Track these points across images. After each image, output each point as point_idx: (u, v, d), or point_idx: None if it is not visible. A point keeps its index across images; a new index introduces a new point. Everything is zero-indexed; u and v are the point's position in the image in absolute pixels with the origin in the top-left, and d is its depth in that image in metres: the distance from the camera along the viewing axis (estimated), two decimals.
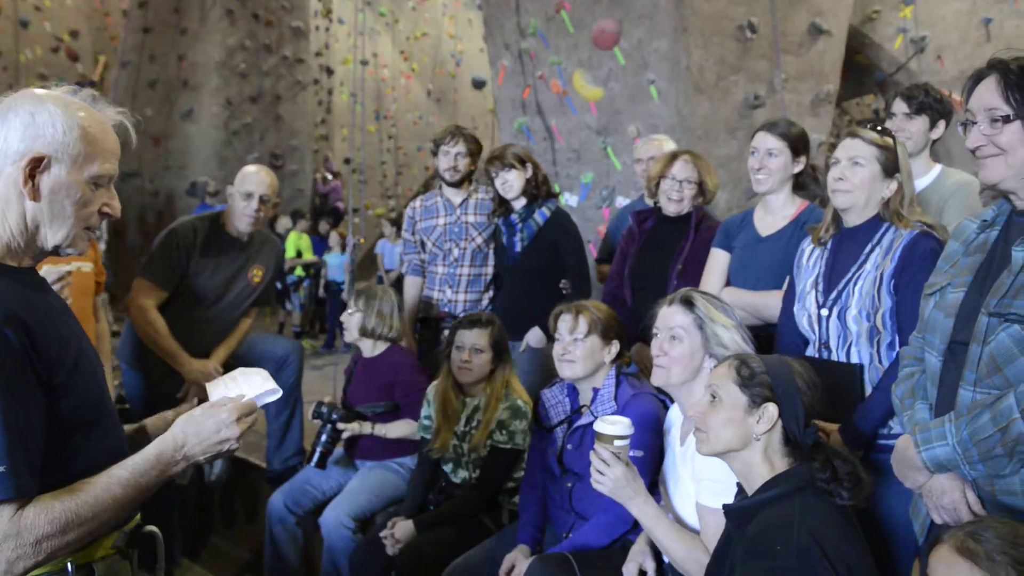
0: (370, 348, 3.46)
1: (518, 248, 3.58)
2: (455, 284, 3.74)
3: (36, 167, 1.37)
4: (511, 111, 5.73)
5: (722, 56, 4.88)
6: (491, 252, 3.76)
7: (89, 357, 1.46)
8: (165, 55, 10.75)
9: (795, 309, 2.38)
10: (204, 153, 10.73)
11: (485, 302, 3.76)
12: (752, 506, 1.71)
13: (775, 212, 2.80)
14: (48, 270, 2.49)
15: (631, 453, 2.06)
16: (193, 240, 3.44)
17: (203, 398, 1.59)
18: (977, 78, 1.71)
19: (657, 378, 2.19)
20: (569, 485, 2.55)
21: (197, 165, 10.61)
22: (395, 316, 3.47)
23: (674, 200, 3.15)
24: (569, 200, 5.32)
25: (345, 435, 3.30)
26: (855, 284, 2.23)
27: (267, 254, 3.66)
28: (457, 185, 3.75)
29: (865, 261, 2.24)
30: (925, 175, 2.84)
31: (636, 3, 4.88)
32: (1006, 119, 1.64)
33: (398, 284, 6.35)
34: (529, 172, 3.55)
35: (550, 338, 2.70)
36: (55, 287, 2.43)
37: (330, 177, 12.80)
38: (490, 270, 3.78)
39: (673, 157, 3.20)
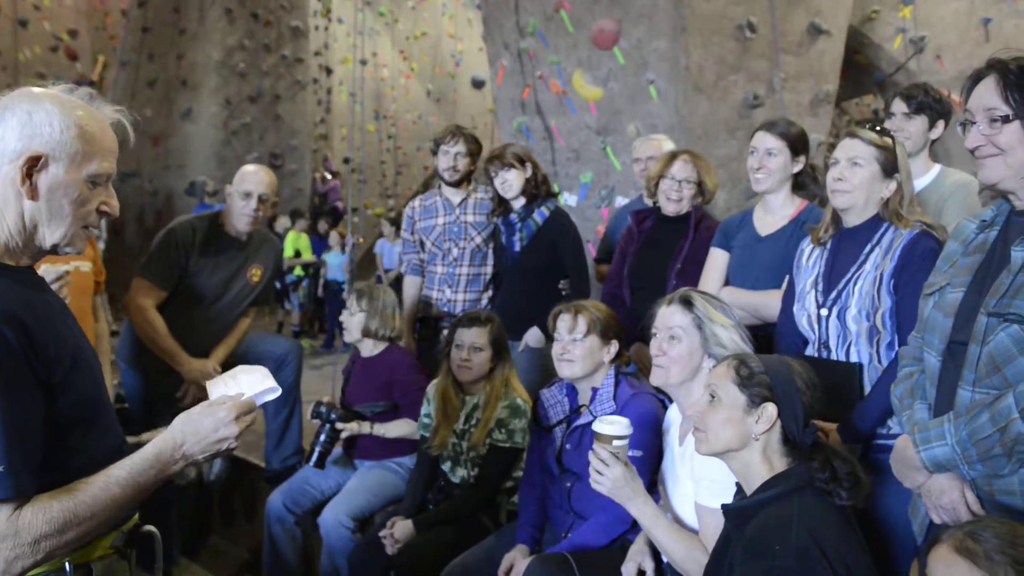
0: (369, 348, 3.46)
1: (517, 248, 3.58)
2: (454, 284, 3.74)
3: (34, 166, 1.37)
4: (510, 111, 5.73)
5: (721, 56, 4.88)
6: (490, 252, 3.76)
7: (87, 356, 1.45)
8: (164, 55, 10.75)
9: (795, 309, 2.38)
10: (203, 153, 10.73)
11: (484, 302, 3.76)
12: (751, 506, 1.71)
13: (774, 212, 2.80)
14: (46, 270, 2.49)
15: (630, 453, 2.06)
16: (192, 239, 3.43)
17: (202, 397, 1.58)
18: (976, 78, 1.70)
19: (656, 378, 2.19)
20: (568, 485, 2.55)
21: (196, 165, 10.61)
22: (396, 316, 3.48)
23: (673, 200, 3.15)
24: (568, 200, 5.32)
25: (344, 435, 3.30)
26: (855, 284, 2.23)
27: (266, 253, 3.66)
28: (456, 185, 3.75)
29: (865, 261, 2.24)
30: (924, 175, 2.84)
31: (635, 3, 4.88)
32: (1005, 119, 1.64)
33: (397, 284, 6.35)
34: (528, 172, 3.55)
35: (549, 338, 2.70)
36: (53, 287, 2.42)
37: (329, 177, 12.80)
38: (489, 270, 3.78)
39: (672, 157, 3.20)
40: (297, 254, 8.98)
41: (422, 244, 3.83)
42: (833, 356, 2.27)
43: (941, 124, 2.89)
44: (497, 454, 2.93)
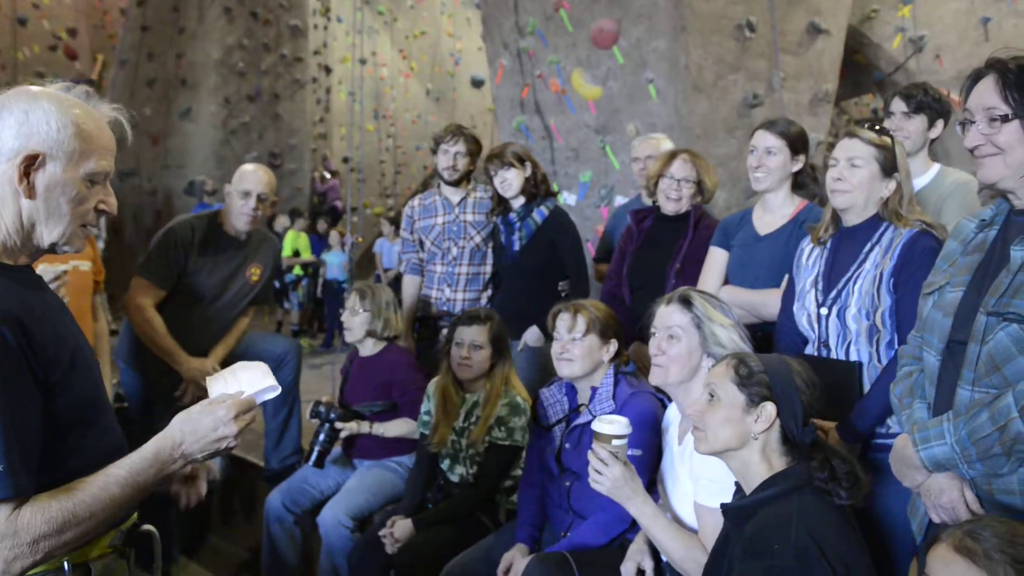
0: (368, 347, 3.46)
1: (516, 247, 3.58)
2: (454, 283, 3.74)
3: (31, 165, 1.36)
4: (510, 110, 5.73)
5: (721, 55, 4.88)
6: (489, 251, 3.76)
7: (85, 355, 1.45)
8: (163, 54, 10.74)
9: (794, 308, 2.38)
10: (202, 152, 10.73)
11: (484, 301, 3.76)
12: (750, 505, 1.71)
13: (774, 211, 2.80)
14: (44, 269, 2.48)
15: (629, 452, 2.06)
16: (191, 239, 3.43)
17: (201, 396, 1.58)
18: (975, 77, 1.70)
19: (655, 377, 2.19)
20: (567, 484, 2.55)
21: (195, 164, 10.60)
22: (396, 315, 3.48)
23: (672, 199, 3.15)
24: (568, 199, 5.32)
25: (343, 434, 3.30)
26: (854, 283, 2.23)
27: (265, 253, 3.66)
28: (456, 184, 3.75)
29: (864, 260, 2.25)
30: (923, 174, 2.84)
31: (635, 2, 4.88)
32: (1004, 118, 1.63)
33: (396, 283, 6.35)
34: (528, 171, 3.55)
35: (548, 337, 2.70)
36: (51, 286, 2.42)
37: (328, 176, 12.79)
38: (488, 269, 3.78)
39: (672, 156, 3.20)
40: (296, 253, 8.98)
41: (421, 243, 3.83)
42: (833, 355, 2.27)
43: (940, 123, 2.89)
44: (497, 452, 2.93)
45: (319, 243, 9.44)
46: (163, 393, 3.45)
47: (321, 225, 9.90)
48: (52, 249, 1.43)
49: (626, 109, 5.04)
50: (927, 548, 1.46)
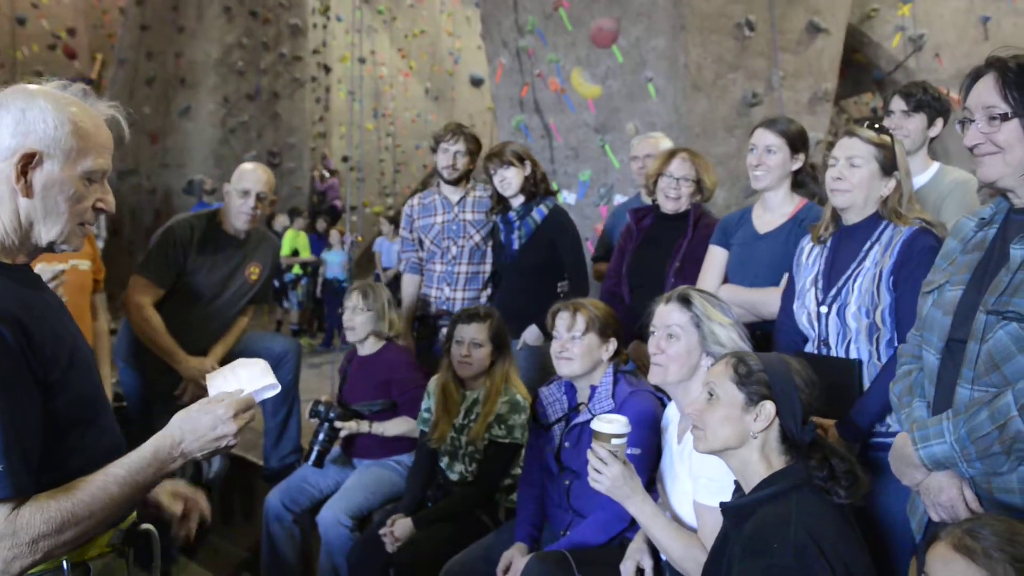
0: (368, 346, 3.46)
1: (516, 246, 3.58)
2: (453, 282, 3.74)
3: (28, 163, 1.36)
4: (509, 109, 5.73)
5: (720, 54, 4.88)
6: (489, 250, 3.76)
7: (84, 354, 1.45)
8: (162, 53, 10.73)
9: (794, 306, 2.38)
10: (201, 151, 10.72)
11: (483, 300, 3.75)
12: (749, 504, 1.71)
13: (773, 210, 2.80)
14: (42, 268, 2.48)
15: (628, 451, 2.06)
16: (190, 237, 3.43)
17: (200, 395, 1.58)
18: (975, 76, 1.70)
19: (654, 376, 2.19)
20: (567, 483, 2.55)
21: (194, 163, 10.60)
22: (395, 313, 3.49)
23: (672, 198, 3.15)
24: (567, 198, 5.32)
25: (343, 434, 3.29)
26: (854, 281, 2.23)
27: (264, 252, 3.65)
28: (455, 183, 3.75)
29: (864, 258, 2.25)
30: (923, 173, 2.84)
31: (634, 1, 4.88)
32: (1004, 117, 1.63)
33: (395, 282, 6.35)
34: (528, 170, 3.55)
35: (547, 336, 2.70)
36: (50, 286, 2.42)
37: (327, 175, 12.79)
38: (488, 268, 3.78)
39: (671, 155, 3.20)
40: (295, 253, 8.97)
41: (421, 242, 3.82)
42: (833, 353, 2.27)
43: (940, 122, 2.89)
44: (496, 450, 2.93)
45: (318, 242, 9.43)
46: (162, 392, 3.45)
47: (320, 224, 9.90)
48: (50, 248, 1.43)
49: (625, 108, 5.04)
50: (926, 547, 1.46)
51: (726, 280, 2.85)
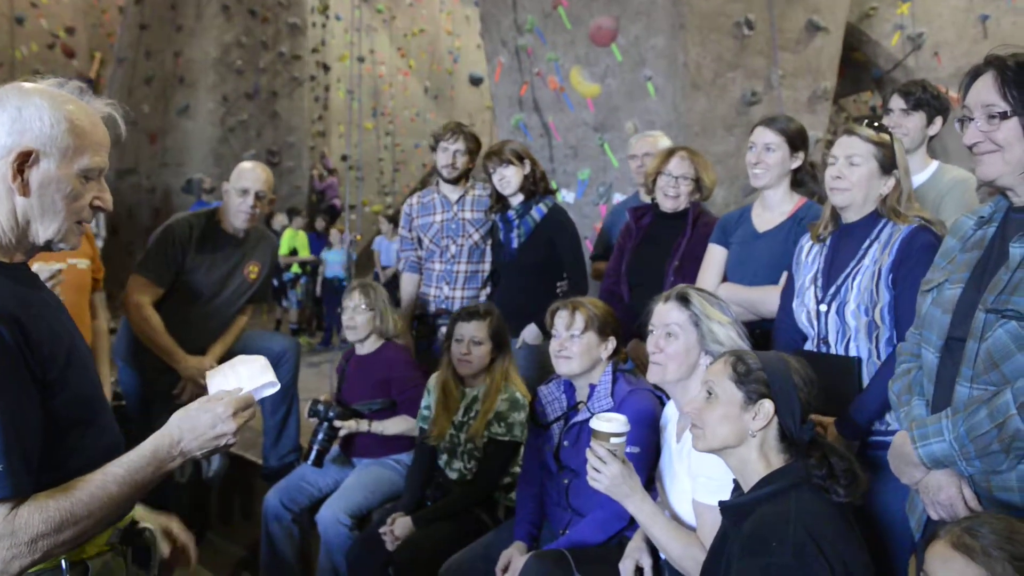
0: (367, 346, 3.46)
1: (515, 244, 3.57)
2: (452, 281, 3.73)
3: (25, 162, 1.36)
4: (508, 108, 5.72)
5: (719, 53, 4.88)
6: (488, 248, 3.75)
7: (82, 353, 1.45)
8: (161, 51, 10.72)
9: (794, 305, 2.38)
10: (200, 150, 10.71)
11: (482, 299, 3.75)
12: (748, 503, 1.71)
13: (773, 208, 2.80)
14: (39, 268, 2.47)
15: (627, 450, 2.06)
16: (189, 236, 3.43)
17: (199, 394, 1.57)
18: (974, 74, 1.70)
19: (653, 375, 2.19)
20: (566, 482, 2.55)
21: (194, 162, 10.59)
22: (393, 312, 3.49)
23: (670, 196, 3.15)
24: (566, 197, 5.32)
25: (342, 433, 3.29)
26: (853, 279, 2.23)
27: (263, 250, 3.65)
28: (454, 182, 3.74)
29: (863, 256, 2.25)
30: (922, 171, 2.84)
31: (633, 0, 4.87)
32: (1003, 115, 1.63)
33: (395, 281, 6.34)
34: (527, 168, 3.54)
35: (547, 334, 2.70)
36: (47, 285, 2.42)
37: (326, 174, 12.78)
38: (487, 267, 3.78)
39: (670, 153, 3.20)
40: (293, 252, 8.97)
41: (420, 241, 3.82)
42: (832, 352, 2.27)
43: (939, 120, 2.89)
44: (496, 448, 2.93)
45: (317, 241, 9.43)
46: (161, 391, 3.45)
47: (319, 223, 9.90)
48: (48, 246, 1.42)
49: (624, 107, 5.04)
50: (925, 545, 1.46)
51: (725, 278, 2.85)
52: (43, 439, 1.32)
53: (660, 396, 2.46)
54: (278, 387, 1.57)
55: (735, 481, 1.82)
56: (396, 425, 3.35)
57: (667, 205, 3.17)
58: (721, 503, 1.80)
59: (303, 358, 4.17)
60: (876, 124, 2.32)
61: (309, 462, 3.26)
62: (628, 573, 2.18)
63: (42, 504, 1.28)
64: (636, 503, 2.03)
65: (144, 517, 1.59)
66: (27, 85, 1.41)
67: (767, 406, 1.73)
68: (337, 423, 3.27)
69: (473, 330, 2.97)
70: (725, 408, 1.76)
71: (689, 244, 3.10)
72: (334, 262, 8.89)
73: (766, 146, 2.73)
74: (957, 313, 1.72)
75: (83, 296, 3.06)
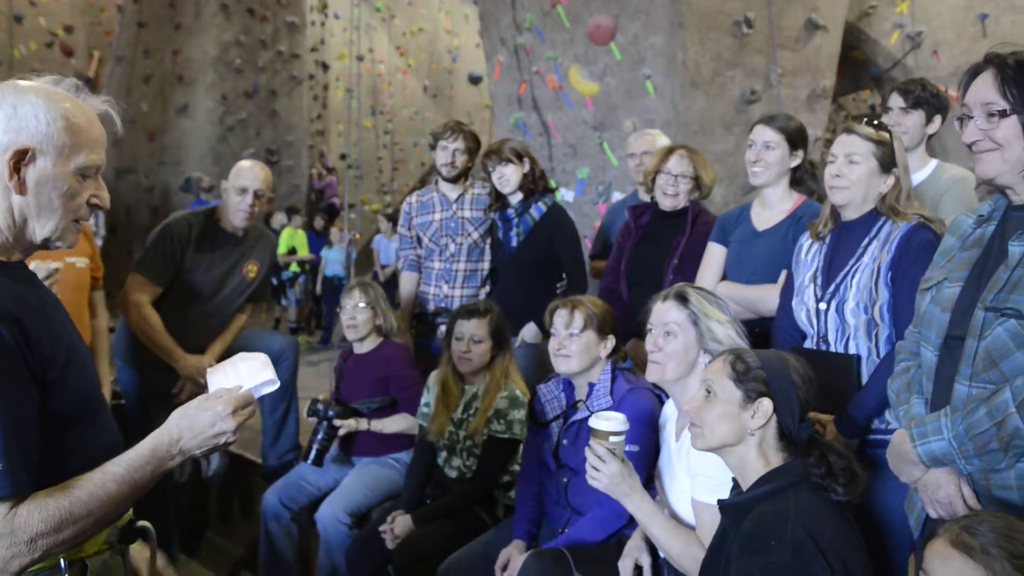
0: (366, 344, 3.46)
1: (514, 243, 3.57)
2: (451, 279, 3.73)
3: (21, 160, 1.35)
4: (507, 106, 5.72)
5: (718, 51, 4.88)
6: (487, 247, 3.75)
7: (80, 352, 1.44)
8: (160, 50, 10.71)
9: (793, 303, 2.38)
10: (199, 149, 10.71)
11: (481, 297, 3.75)
12: (747, 501, 1.71)
13: (772, 207, 2.80)
14: (36, 266, 2.47)
15: (626, 448, 2.06)
16: (188, 235, 3.42)
17: (198, 393, 1.57)
18: (974, 73, 1.70)
19: (652, 374, 2.19)
20: (565, 480, 2.55)
21: (192, 161, 10.58)
22: (391, 310, 3.49)
23: (670, 195, 3.15)
24: (565, 195, 5.32)
25: (342, 432, 3.29)
26: (853, 277, 2.24)
27: (262, 249, 3.65)
28: (453, 181, 3.74)
29: (863, 254, 2.25)
30: (921, 170, 2.84)
31: None
32: (1003, 114, 1.63)
33: (394, 280, 6.34)
34: (526, 167, 3.54)
35: (546, 333, 2.69)
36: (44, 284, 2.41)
37: (325, 173, 12.77)
38: (486, 265, 3.77)
39: (669, 152, 3.20)
40: (292, 251, 8.96)
41: (419, 240, 3.82)
42: (832, 350, 2.27)
43: (938, 119, 2.89)
44: (496, 445, 2.93)
45: (316, 240, 9.43)
46: (160, 390, 3.45)
47: (318, 222, 9.89)
48: (45, 245, 1.42)
49: (623, 105, 5.04)
50: (924, 544, 1.46)
51: (724, 277, 2.85)
52: (42, 438, 1.32)
53: (659, 395, 2.46)
54: (278, 384, 1.57)
55: (734, 480, 1.82)
56: (396, 423, 3.35)
57: (666, 204, 3.17)
58: (720, 502, 1.80)
59: (302, 357, 4.17)
60: (876, 122, 2.32)
61: (309, 461, 3.26)
62: (627, 572, 2.18)
63: (41, 503, 1.28)
64: (635, 502, 2.03)
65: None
66: (23, 83, 1.40)
67: (766, 404, 1.73)
68: (336, 422, 3.27)
69: (473, 328, 2.97)
70: (724, 407, 1.76)
71: (688, 243, 3.10)
72: (334, 261, 8.89)
73: (765, 144, 2.73)
74: (956, 312, 1.72)
75: (82, 295, 3.06)
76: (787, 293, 2.45)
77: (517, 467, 2.93)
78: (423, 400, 3.17)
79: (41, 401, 1.32)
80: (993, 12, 6.90)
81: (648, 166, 3.29)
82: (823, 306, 2.28)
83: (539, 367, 3.43)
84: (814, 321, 2.30)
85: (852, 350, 2.24)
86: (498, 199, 3.62)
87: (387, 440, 3.37)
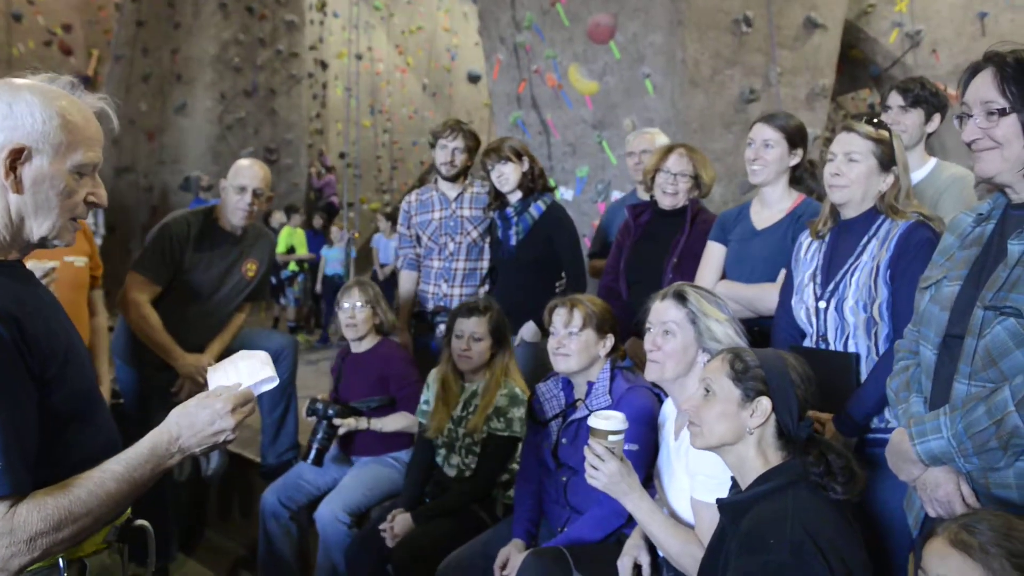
0: (364, 344, 3.46)
1: (513, 242, 3.57)
2: (450, 278, 3.73)
3: (17, 159, 1.34)
4: (506, 105, 5.72)
5: (717, 50, 4.88)
6: (486, 246, 3.75)
7: (79, 351, 1.44)
8: (158, 49, 10.71)
9: (793, 302, 2.38)
10: (198, 148, 10.70)
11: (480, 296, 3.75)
12: (746, 500, 1.71)
13: (771, 205, 2.80)
14: (33, 266, 2.46)
15: (626, 447, 2.06)
16: (187, 234, 3.42)
17: (197, 392, 1.57)
18: (973, 71, 1.70)
19: (651, 373, 2.19)
20: (564, 479, 2.55)
21: (191, 160, 10.57)
22: (389, 309, 3.50)
23: (669, 193, 3.15)
24: (564, 194, 5.32)
25: (341, 431, 3.29)
26: (852, 275, 2.23)
27: (261, 248, 3.64)
28: (453, 179, 3.74)
29: (862, 252, 2.25)
30: (920, 169, 2.84)
31: None
32: (1002, 112, 1.63)
33: (393, 279, 6.34)
34: (526, 166, 3.54)
35: (545, 332, 2.69)
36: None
37: (324, 171, 12.77)
38: (486, 264, 3.77)
39: (668, 150, 3.20)
40: (291, 250, 8.96)
41: (418, 239, 3.82)
42: (831, 348, 2.27)
43: (937, 118, 2.89)
44: (495, 443, 2.93)
45: (315, 239, 9.42)
46: (159, 389, 3.44)
47: (317, 221, 9.88)
48: (43, 244, 1.42)
49: (623, 104, 5.04)
50: (923, 542, 1.46)
51: (724, 276, 2.85)
52: (41, 437, 1.32)
53: (658, 394, 2.46)
54: (277, 382, 1.57)
55: (733, 479, 1.82)
56: (395, 422, 3.35)
57: (665, 202, 3.17)
58: (719, 500, 1.80)
59: (301, 356, 4.17)
60: (875, 121, 2.32)
61: (309, 461, 3.26)
62: (626, 570, 2.19)
63: (41, 502, 1.27)
64: (634, 501, 2.03)
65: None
66: (18, 81, 1.40)
67: (764, 403, 1.73)
68: (336, 421, 3.27)
69: (473, 326, 2.97)
70: (723, 405, 1.76)
71: (688, 241, 3.09)
72: (334, 259, 8.89)
73: (764, 142, 2.73)
74: (955, 310, 1.72)
75: (80, 294, 3.06)
76: (786, 292, 2.45)
77: (516, 466, 2.93)
78: (423, 397, 3.17)
79: (40, 400, 1.32)
80: (992, 11, 6.90)
81: (647, 165, 3.29)
82: (822, 305, 2.28)
83: (538, 366, 3.42)
84: (813, 320, 2.30)
85: (851, 349, 2.24)
86: (497, 198, 3.62)
87: (386, 439, 3.37)
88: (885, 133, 2.28)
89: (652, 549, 2.18)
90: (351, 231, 7.37)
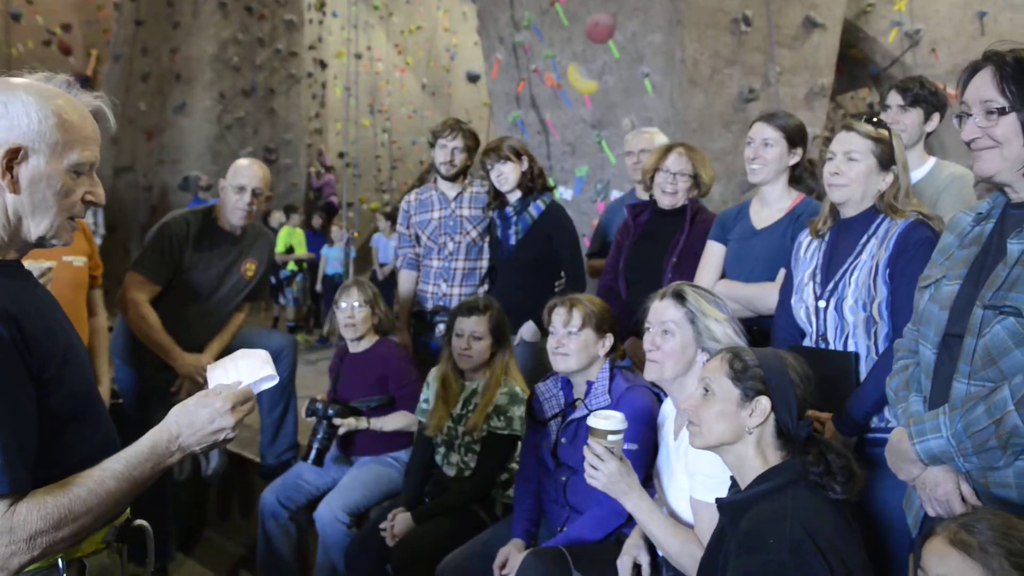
0: (364, 343, 3.46)
1: (513, 241, 3.57)
2: (450, 278, 3.73)
3: (13, 158, 1.34)
4: (505, 105, 5.72)
5: (716, 49, 4.88)
6: (486, 246, 3.74)
7: (77, 350, 1.44)
8: (158, 48, 10.70)
9: (792, 301, 2.38)
10: (197, 147, 10.69)
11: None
12: (745, 500, 1.71)
13: (771, 205, 2.80)
14: (30, 266, 2.46)
15: (625, 447, 2.06)
16: (186, 234, 3.42)
17: (196, 392, 1.57)
18: (973, 70, 1.70)
19: (650, 372, 2.19)
20: (563, 479, 2.55)
21: (190, 159, 10.57)
22: (386, 308, 3.50)
23: (668, 193, 3.14)
24: (564, 194, 5.32)
25: (341, 431, 3.29)
26: (851, 274, 2.23)
27: (260, 248, 3.64)
28: (452, 179, 3.74)
29: (861, 251, 2.25)
30: (919, 168, 2.84)
31: None
32: (1001, 111, 1.63)
33: (393, 278, 6.34)
34: (525, 165, 3.54)
35: (544, 332, 2.69)
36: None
37: (324, 171, 12.76)
38: (485, 264, 3.77)
39: (667, 150, 3.20)
40: (290, 250, 8.95)
41: (417, 238, 3.82)
42: (831, 348, 2.27)
43: (936, 117, 2.89)
44: (495, 442, 2.93)
45: (314, 239, 9.42)
46: (158, 389, 3.44)
47: (316, 220, 9.88)
48: (41, 243, 1.41)
49: (622, 103, 5.04)
50: (923, 542, 1.46)
51: (723, 275, 2.85)
52: (40, 436, 1.32)
53: (657, 393, 2.46)
54: (276, 380, 1.57)
55: (732, 478, 1.82)
56: (395, 421, 3.35)
57: (665, 202, 3.17)
58: (718, 500, 1.80)
59: (300, 356, 4.17)
60: (874, 120, 2.32)
61: (309, 461, 3.26)
62: (626, 570, 2.19)
63: (40, 501, 1.27)
64: (633, 500, 2.03)
65: None
66: (14, 80, 1.40)
67: (764, 403, 1.73)
68: (336, 421, 3.27)
69: (473, 325, 2.97)
70: (722, 405, 1.76)
71: (687, 241, 3.09)
72: (334, 259, 8.88)
73: (764, 142, 2.72)
74: (955, 309, 1.72)
75: (79, 293, 3.05)
76: (786, 291, 2.45)
77: (515, 466, 2.93)
78: (423, 396, 3.17)
79: (38, 399, 1.32)
80: (991, 10, 6.91)
81: (646, 164, 3.29)
82: (822, 304, 2.28)
83: (537, 365, 3.42)
84: (813, 319, 2.30)
85: (851, 348, 2.24)
86: (497, 197, 3.61)
87: (386, 439, 3.37)
88: (884, 132, 2.28)
89: (652, 549, 2.18)
90: (350, 231, 7.36)
